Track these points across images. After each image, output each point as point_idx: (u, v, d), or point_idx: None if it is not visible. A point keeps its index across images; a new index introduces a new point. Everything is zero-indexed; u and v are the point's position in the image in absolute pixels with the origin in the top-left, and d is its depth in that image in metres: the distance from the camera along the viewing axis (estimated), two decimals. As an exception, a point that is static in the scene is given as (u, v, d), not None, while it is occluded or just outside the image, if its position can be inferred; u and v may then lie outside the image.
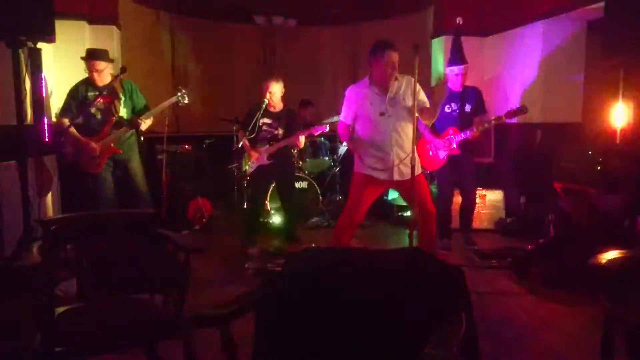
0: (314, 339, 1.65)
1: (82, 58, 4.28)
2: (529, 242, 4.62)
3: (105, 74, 4.22)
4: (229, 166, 5.91)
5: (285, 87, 4.74)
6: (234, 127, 5.71)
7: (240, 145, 4.75)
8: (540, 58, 5.30)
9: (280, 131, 4.71)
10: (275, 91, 4.61)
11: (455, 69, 4.64)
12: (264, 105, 4.59)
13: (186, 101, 4.52)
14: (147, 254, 2.39)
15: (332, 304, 1.67)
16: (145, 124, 4.28)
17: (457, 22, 4.90)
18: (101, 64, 4.20)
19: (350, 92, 3.60)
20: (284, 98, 4.78)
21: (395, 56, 3.40)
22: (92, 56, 4.23)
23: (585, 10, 4.75)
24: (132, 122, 4.25)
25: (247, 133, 4.63)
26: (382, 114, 3.44)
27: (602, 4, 4.16)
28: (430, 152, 4.70)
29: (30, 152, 4.10)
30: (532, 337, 3.02)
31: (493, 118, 4.45)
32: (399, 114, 3.47)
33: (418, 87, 3.34)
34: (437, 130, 4.63)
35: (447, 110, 4.62)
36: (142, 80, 6.37)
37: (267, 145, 4.71)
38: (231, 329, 1.57)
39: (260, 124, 4.69)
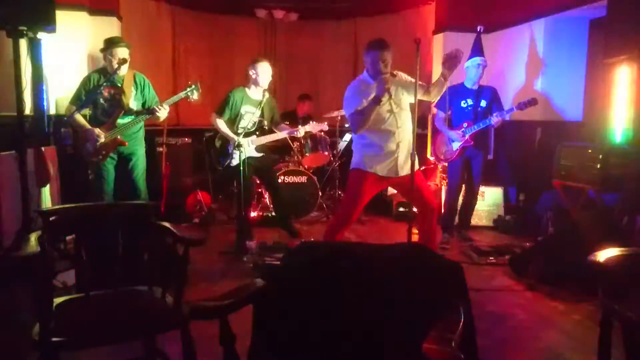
0: (312, 332, 1.65)
1: (106, 47, 4.14)
2: (527, 239, 4.64)
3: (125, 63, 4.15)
4: (221, 166, 5.87)
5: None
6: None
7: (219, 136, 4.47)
8: (542, 56, 5.30)
9: (265, 121, 4.55)
10: (263, 70, 4.47)
11: (478, 59, 4.71)
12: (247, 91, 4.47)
13: (195, 97, 4.29)
14: (146, 246, 2.39)
15: (331, 298, 1.67)
16: (164, 110, 4.16)
17: (479, 29, 4.98)
18: (125, 51, 4.12)
19: (356, 88, 3.50)
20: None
21: (376, 55, 3.37)
22: (118, 42, 4.12)
23: (587, 9, 4.74)
24: (150, 110, 4.16)
25: (227, 120, 4.45)
26: (389, 111, 3.43)
27: (604, 2, 4.15)
28: (445, 144, 4.83)
29: (30, 142, 4.08)
30: (530, 333, 3.03)
31: (505, 110, 4.57)
32: (402, 111, 3.48)
33: (409, 78, 3.45)
34: (452, 125, 4.78)
35: (462, 105, 4.73)
36: (142, 72, 6.36)
37: (254, 136, 4.55)
38: (229, 321, 1.57)
39: (243, 112, 4.52)
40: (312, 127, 4.87)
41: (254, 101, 4.53)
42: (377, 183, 3.55)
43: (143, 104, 4.25)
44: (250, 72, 4.53)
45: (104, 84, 4.10)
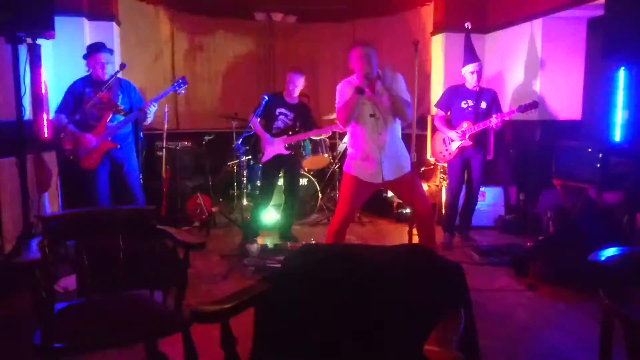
0: (313, 334, 1.65)
1: (88, 52, 4.22)
2: (528, 239, 4.64)
3: (109, 68, 4.19)
4: (229, 163, 5.91)
5: (285, 82, 4.78)
6: (234, 123, 5.72)
7: (252, 133, 4.74)
8: (540, 55, 5.30)
9: (297, 123, 4.78)
10: (298, 83, 4.75)
11: (470, 67, 4.78)
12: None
13: (183, 91, 4.45)
14: (146, 250, 2.40)
15: (331, 300, 1.67)
16: (152, 107, 4.18)
17: (467, 26, 5.04)
18: (109, 57, 4.18)
19: (344, 87, 3.48)
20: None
21: (358, 51, 3.34)
22: (100, 48, 4.18)
23: (585, 8, 4.75)
24: (140, 108, 4.19)
25: (262, 120, 4.77)
26: (372, 116, 3.38)
27: (602, 1, 4.15)
28: (444, 144, 4.86)
29: (30, 148, 4.09)
30: (531, 333, 3.03)
31: (506, 112, 4.60)
32: (387, 114, 3.39)
33: (400, 78, 3.41)
34: (452, 125, 4.82)
35: (462, 106, 4.75)
36: (141, 77, 6.38)
37: (285, 136, 4.76)
38: (230, 324, 1.57)
39: (277, 113, 4.77)
40: (337, 128, 5.07)
41: (289, 105, 4.80)
42: (364, 186, 3.50)
43: (130, 108, 4.28)
44: (287, 79, 4.81)
45: (92, 90, 4.11)
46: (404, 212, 5.75)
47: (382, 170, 3.42)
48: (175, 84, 4.40)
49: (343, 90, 3.47)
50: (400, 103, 3.32)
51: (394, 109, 3.35)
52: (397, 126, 3.48)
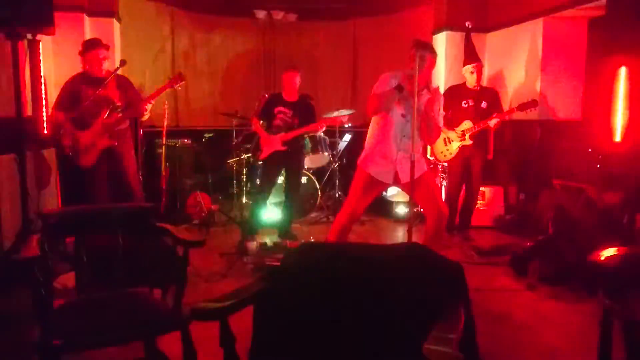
0: (313, 333, 1.65)
1: (85, 49, 4.21)
2: (527, 239, 4.64)
3: (106, 64, 4.18)
4: (229, 161, 5.91)
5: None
6: (234, 121, 5.71)
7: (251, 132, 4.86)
8: (541, 55, 5.30)
9: (296, 120, 4.80)
10: (285, 79, 4.81)
11: (471, 66, 4.81)
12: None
13: (179, 87, 4.46)
14: (146, 248, 2.39)
15: (331, 298, 1.67)
16: (148, 107, 4.18)
17: (467, 25, 5.05)
18: (105, 53, 4.17)
19: (387, 78, 3.40)
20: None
21: (413, 51, 3.18)
22: (96, 44, 4.17)
23: (586, 8, 4.74)
24: (138, 105, 4.18)
25: (261, 121, 4.86)
26: (403, 116, 3.34)
27: (603, 1, 4.15)
28: (444, 144, 4.88)
29: (29, 144, 4.09)
30: (530, 333, 3.03)
31: (506, 111, 4.63)
32: (416, 122, 3.31)
33: (441, 99, 3.44)
34: (453, 125, 4.84)
35: (463, 105, 4.76)
36: (141, 74, 6.37)
37: (283, 132, 4.80)
38: (230, 323, 1.57)
39: (275, 112, 4.82)
40: (333, 120, 5.18)
41: (288, 103, 4.85)
42: (374, 184, 3.47)
43: (127, 104, 4.26)
44: (282, 78, 4.95)
45: (89, 86, 4.10)
46: (404, 211, 5.75)
47: (396, 171, 3.39)
48: (172, 80, 4.38)
49: (384, 81, 3.38)
50: (429, 124, 3.27)
51: (422, 126, 3.29)
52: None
